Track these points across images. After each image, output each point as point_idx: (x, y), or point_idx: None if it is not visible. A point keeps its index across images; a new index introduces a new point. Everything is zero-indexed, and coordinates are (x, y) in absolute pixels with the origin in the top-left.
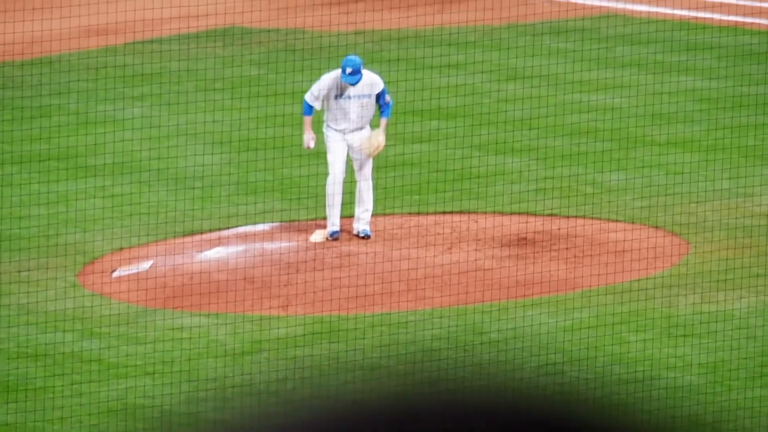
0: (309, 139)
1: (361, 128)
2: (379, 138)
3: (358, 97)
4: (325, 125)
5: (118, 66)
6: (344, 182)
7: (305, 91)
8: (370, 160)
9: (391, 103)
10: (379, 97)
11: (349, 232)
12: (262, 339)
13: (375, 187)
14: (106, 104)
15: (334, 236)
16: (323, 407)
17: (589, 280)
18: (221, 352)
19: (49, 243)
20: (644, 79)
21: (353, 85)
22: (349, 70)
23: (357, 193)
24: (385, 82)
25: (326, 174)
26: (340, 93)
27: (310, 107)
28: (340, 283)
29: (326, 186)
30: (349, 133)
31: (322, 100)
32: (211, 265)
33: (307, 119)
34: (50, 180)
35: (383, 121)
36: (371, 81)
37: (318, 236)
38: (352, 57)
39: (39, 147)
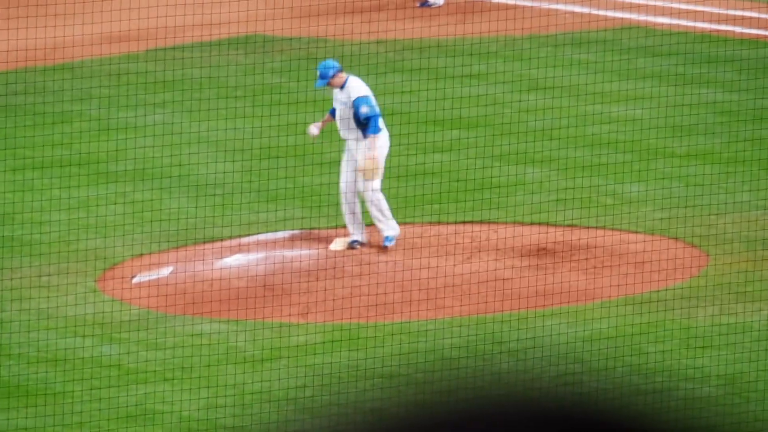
0: (312, 126)
1: (350, 137)
2: (365, 158)
3: (340, 102)
4: None
5: (140, 73)
6: (350, 192)
7: (326, 100)
8: (372, 172)
9: (369, 115)
10: (355, 106)
11: (370, 242)
12: (281, 346)
13: (378, 199)
14: (127, 111)
15: (353, 245)
16: (343, 415)
17: (608, 291)
18: (240, 359)
19: (69, 248)
20: (665, 91)
21: (324, 89)
22: (317, 74)
23: None
24: (367, 95)
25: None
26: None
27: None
28: (359, 292)
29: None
30: (346, 141)
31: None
32: (230, 272)
33: (327, 115)
34: (71, 186)
35: (366, 139)
36: (350, 86)
37: (338, 244)
38: (325, 61)
39: (60, 153)
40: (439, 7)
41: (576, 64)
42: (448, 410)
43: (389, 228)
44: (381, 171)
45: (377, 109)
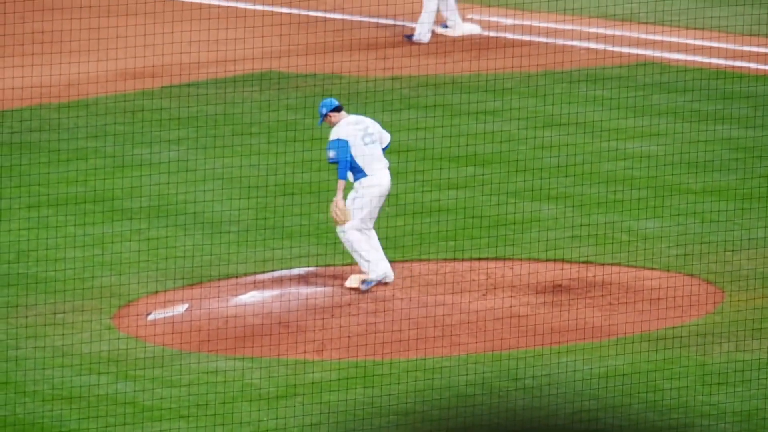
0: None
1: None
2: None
3: None
4: None
5: (155, 109)
6: (360, 230)
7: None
8: (340, 220)
9: (334, 160)
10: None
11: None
12: (296, 383)
13: (349, 240)
14: (143, 147)
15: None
16: None
17: (624, 328)
18: (256, 396)
19: (84, 286)
20: (680, 128)
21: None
22: None
23: None
24: (338, 139)
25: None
26: None
27: None
28: (375, 328)
29: None
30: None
31: None
32: (246, 309)
33: None
34: (86, 223)
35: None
36: (334, 128)
37: (353, 281)
38: (324, 99)
39: (75, 190)
40: (427, 44)
41: (591, 100)
42: None
43: (372, 270)
44: (361, 213)
45: (347, 155)
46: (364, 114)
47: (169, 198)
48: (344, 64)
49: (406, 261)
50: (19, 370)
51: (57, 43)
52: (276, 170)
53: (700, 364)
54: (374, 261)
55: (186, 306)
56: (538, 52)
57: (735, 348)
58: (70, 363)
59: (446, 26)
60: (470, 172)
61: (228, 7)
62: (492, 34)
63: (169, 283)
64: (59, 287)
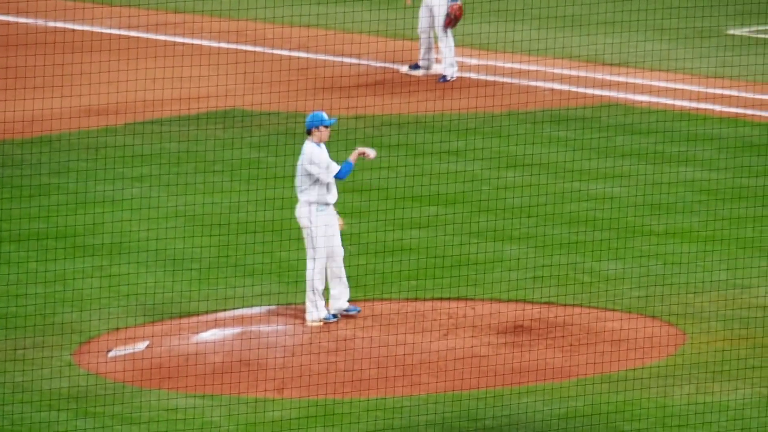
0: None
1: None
2: None
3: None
4: (315, 206)
5: (118, 146)
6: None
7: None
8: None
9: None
10: None
11: (356, 316)
12: (256, 422)
13: (309, 279)
14: (105, 184)
15: (329, 319)
16: None
17: (585, 369)
18: None
19: (45, 322)
20: (643, 169)
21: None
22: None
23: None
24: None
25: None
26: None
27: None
28: (335, 367)
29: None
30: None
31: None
32: (206, 347)
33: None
34: (47, 259)
35: None
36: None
37: (314, 319)
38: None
39: (37, 226)
40: (453, 80)
41: (555, 141)
42: None
43: (315, 309)
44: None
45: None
46: (329, 152)
47: (131, 235)
48: (308, 102)
49: (368, 300)
50: None
51: (20, 78)
52: (238, 208)
53: (660, 406)
54: (321, 299)
55: (147, 343)
56: (502, 93)
57: (696, 390)
58: (30, 399)
59: (418, 66)
60: (433, 211)
61: (192, 44)
62: (456, 74)
63: (130, 320)
64: (20, 323)
